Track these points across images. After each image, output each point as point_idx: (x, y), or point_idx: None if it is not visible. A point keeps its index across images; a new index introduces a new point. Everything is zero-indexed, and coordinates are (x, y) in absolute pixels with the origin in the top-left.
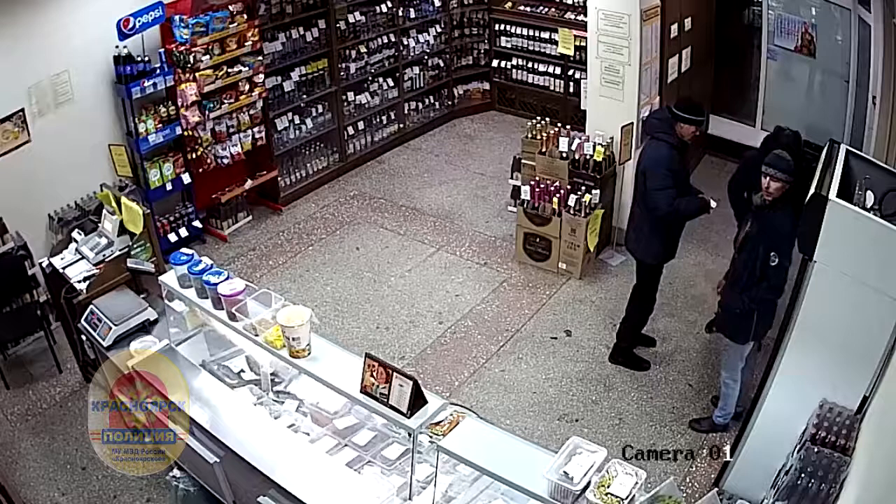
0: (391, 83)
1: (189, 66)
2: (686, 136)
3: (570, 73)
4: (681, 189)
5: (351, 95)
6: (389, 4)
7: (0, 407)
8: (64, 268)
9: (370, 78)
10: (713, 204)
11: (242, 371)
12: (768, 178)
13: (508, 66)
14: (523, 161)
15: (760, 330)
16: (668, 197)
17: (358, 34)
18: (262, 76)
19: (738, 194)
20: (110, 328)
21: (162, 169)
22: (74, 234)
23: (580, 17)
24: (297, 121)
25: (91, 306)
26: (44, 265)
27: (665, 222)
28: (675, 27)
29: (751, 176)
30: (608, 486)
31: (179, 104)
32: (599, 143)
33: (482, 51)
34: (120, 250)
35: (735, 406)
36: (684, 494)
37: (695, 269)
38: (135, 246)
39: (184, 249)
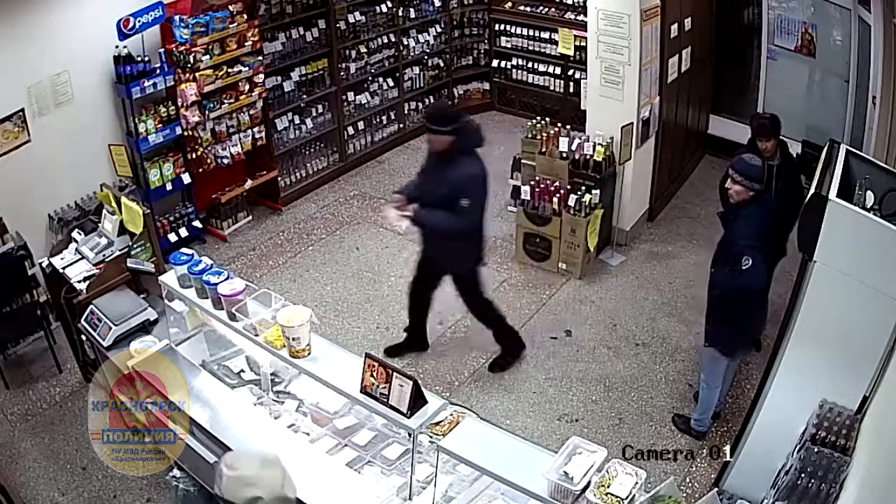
0: (391, 83)
1: (189, 66)
2: (433, 144)
3: (570, 73)
4: (426, 192)
5: (351, 95)
6: (389, 4)
7: (0, 407)
8: (64, 268)
9: (370, 78)
10: (403, 226)
11: (242, 371)
12: (731, 181)
13: (508, 66)
14: (523, 161)
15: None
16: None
17: (358, 34)
18: (262, 76)
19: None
20: (110, 328)
21: (162, 169)
22: (74, 234)
23: (580, 17)
24: (297, 121)
25: (91, 306)
26: (44, 265)
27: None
28: (675, 27)
29: None
30: (608, 486)
31: (179, 104)
32: (599, 143)
33: (482, 51)
34: (120, 250)
35: (714, 408)
36: (684, 494)
37: (695, 269)
38: (135, 246)
39: (184, 249)
